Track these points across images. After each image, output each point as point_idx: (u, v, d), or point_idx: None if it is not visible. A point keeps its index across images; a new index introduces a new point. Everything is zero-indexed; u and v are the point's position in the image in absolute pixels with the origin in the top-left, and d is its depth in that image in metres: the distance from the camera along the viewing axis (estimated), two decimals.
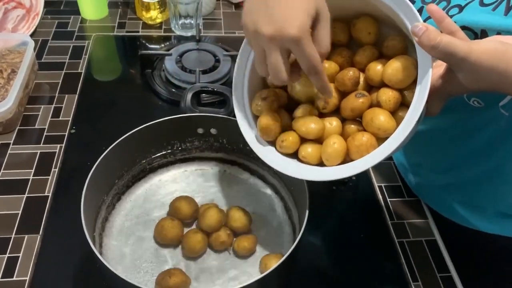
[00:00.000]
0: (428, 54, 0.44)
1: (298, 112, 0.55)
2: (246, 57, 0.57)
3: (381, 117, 0.50)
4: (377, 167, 0.78)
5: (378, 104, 0.52)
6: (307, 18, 0.46)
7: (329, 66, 0.55)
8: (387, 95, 0.51)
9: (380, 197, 0.74)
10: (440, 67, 0.46)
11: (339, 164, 0.52)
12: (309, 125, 0.53)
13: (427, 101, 0.46)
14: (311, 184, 0.55)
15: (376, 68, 0.52)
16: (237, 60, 0.56)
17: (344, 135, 0.54)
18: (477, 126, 0.60)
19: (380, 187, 0.75)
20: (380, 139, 0.51)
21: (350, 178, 0.75)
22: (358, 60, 0.55)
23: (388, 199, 0.74)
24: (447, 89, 0.46)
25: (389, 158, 0.79)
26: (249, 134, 0.57)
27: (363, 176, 0.77)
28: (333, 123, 0.54)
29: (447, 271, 0.65)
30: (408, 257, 0.66)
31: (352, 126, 0.54)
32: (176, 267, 0.57)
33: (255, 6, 0.48)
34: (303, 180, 0.56)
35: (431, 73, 0.45)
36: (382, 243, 0.68)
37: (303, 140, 0.55)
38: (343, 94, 0.55)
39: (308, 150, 0.54)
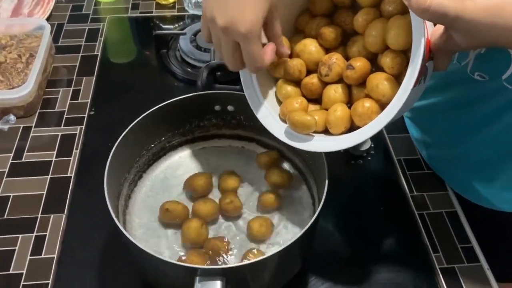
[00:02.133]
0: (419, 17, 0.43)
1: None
2: None
3: (385, 83, 0.49)
4: (395, 141, 0.77)
5: (382, 69, 0.51)
6: (259, 14, 0.48)
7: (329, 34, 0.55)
8: (391, 59, 0.50)
9: (399, 170, 0.74)
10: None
11: (346, 131, 0.52)
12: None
13: (433, 58, 0.45)
14: (329, 158, 0.56)
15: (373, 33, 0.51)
16: None
17: (354, 101, 0.53)
18: (482, 99, 0.59)
19: (399, 160, 0.75)
20: (385, 105, 0.50)
21: (368, 151, 0.75)
22: (359, 24, 0.53)
23: (407, 172, 0.73)
24: (448, 48, 0.45)
25: (406, 131, 0.78)
26: (257, 105, 0.57)
27: (382, 150, 0.76)
28: (338, 90, 0.54)
29: (468, 241, 0.65)
30: (428, 229, 0.66)
31: (359, 91, 0.53)
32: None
33: None
34: (321, 153, 0.56)
35: (425, 34, 0.43)
36: (402, 215, 0.68)
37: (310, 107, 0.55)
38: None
39: (315, 118, 0.54)
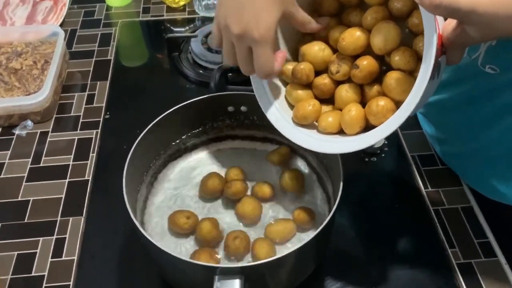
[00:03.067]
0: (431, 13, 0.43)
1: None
2: None
3: (398, 80, 0.49)
4: (409, 137, 0.77)
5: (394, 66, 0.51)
6: (273, 20, 0.50)
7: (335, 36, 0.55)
8: (402, 57, 0.49)
9: (414, 166, 0.73)
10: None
11: (361, 131, 0.52)
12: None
13: (445, 52, 0.45)
14: (343, 156, 0.56)
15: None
16: None
17: (367, 100, 0.53)
18: (494, 92, 0.58)
19: (413, 156, 0.75)
20: (400, 102, 0.49)
21: (381, 149, 0.75)
22: (368, 23, 0.53)
23: (422, 168, 0.73)
24: (461, 41, 0.45)
25: (419, 127, 0.78)
26: (269, 109, 0.58)
27: (395, 147, 0.76)
28: (350, 90, 0.54)
29: (484, 236, 0.65)
30: (444, 224, 0.66)
31: (373, 89, 0.53)
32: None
33: (228, 1, 0.52)
34: (337, 154, 0.56)
35: (436, 29, 0.43)
36: (417, 212, 0.68)
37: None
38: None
39: (329, 119, 0.54)
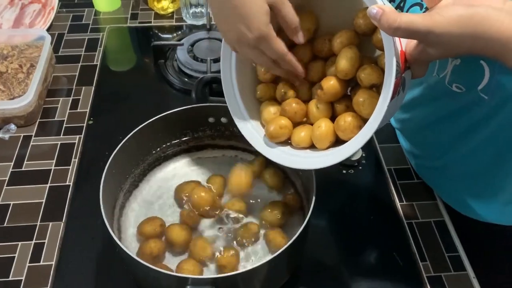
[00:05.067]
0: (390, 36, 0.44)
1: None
2: (229, 53, 0.59)
3: (364, 96, 0.51)
4: (386, 150, 0.79)
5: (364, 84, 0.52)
6: (263, 15, 0.50)
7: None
8: (367, 75, 0.51)
9: (390, 179, 0.75)
10: None
11: (332, 145, 0.54)
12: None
13: (409, 67, 0.46)
14: (322, 168, 0.57)
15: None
16: (221, 58, 0.59)
17: (337, 114, 0.55)
18: (462, 111, 0.60)
19: (389, 169, 0.77)
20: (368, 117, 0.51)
21: (359, 161, 0.77)
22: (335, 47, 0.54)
23: (398, 182, 0.75)
24: (423, 58, 0.46)
25: (397, 141, 0.80)
26: (243, 126, 0.60)
27: (373, 159, 0.78)
28: (320, 106, 0.55)
29: (455, 250, 0.67)
30: (417, 237, 0.68)
31: (342, 104, 0.55)
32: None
33: (217, 12, 0.54)
34: None
35: (396, 50, 0.45)
36: (391, 224, 0.70)
37: (295, 125, 0.57)
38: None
39: (301, 134, 0.56)
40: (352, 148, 0.51)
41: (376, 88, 0.52)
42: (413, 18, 0.42)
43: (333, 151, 0.53)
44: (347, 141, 0.53)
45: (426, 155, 0.72)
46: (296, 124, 0.57)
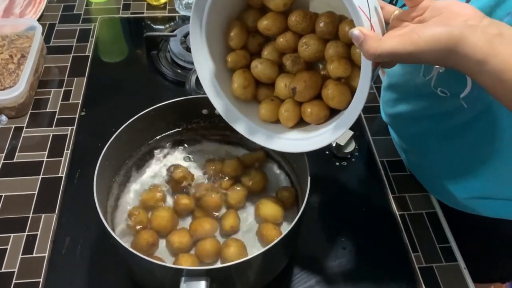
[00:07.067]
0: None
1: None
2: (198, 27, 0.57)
3: (332, 91, 0.53)
4: (379, 143, 0.80)
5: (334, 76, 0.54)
6: None
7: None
8: (336, 67, 0.52)
9: (382, 171, 0.76)
10: None
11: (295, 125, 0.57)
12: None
13: (379, 63, 0.47)
14: (314, 160, 0.58)
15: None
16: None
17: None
18: (446, 114, 0.61)
19: (382, 162, 0.77)
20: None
21: (352, 153, 0.77)
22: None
23: (390, 174, 0.76)
24: (396, 63, 0.49)
25: (389, 133, 0.80)
26: (219, 103, 0.60)
27: (365, 152, 0.79)
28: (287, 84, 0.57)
29: (446, 241, 0.68)
30: (409, 229, 0.69)
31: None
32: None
33: None
34: (304, 158, 0.58)
35: (372, 76, 0.46)
36: (384, 216, 0.71)
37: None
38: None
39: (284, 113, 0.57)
40: (330, 138, 0.53)
41: (345, 81, 0.54)
42: (394, 45, 0.41)
43: (314, 139, 0.55)
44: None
45: (414, 151, 0.73)
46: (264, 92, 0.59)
